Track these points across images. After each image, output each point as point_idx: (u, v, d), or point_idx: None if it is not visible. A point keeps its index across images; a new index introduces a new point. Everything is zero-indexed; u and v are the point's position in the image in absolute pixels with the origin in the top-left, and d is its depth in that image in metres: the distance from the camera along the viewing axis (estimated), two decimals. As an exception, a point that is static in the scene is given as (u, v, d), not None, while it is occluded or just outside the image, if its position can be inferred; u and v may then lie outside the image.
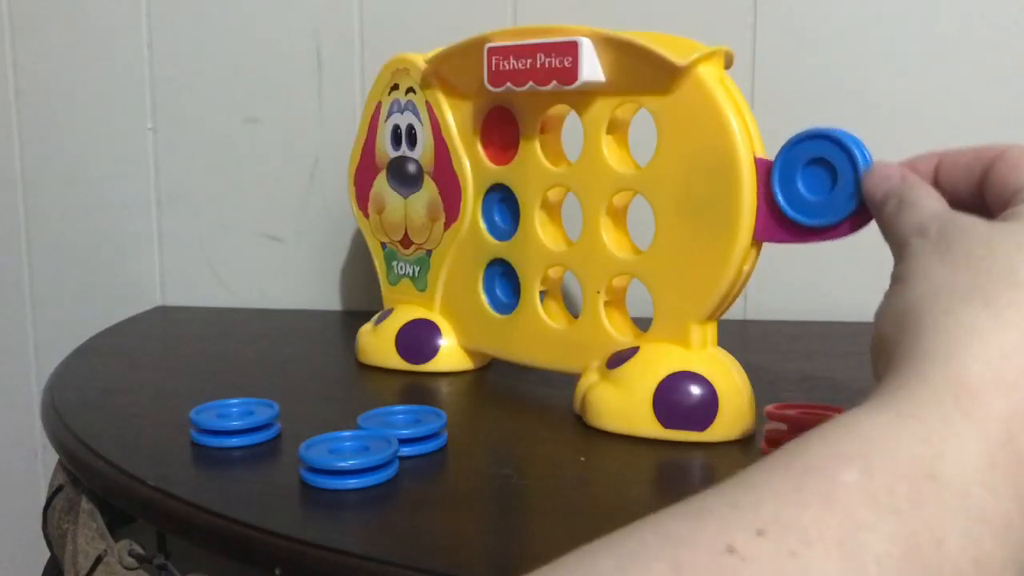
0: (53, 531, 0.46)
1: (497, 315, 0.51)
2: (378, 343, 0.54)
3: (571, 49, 0.43)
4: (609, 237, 0.45)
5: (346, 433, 0.39)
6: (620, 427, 0.42)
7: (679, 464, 0.40)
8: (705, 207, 0.41)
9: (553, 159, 0.48)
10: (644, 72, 0.42)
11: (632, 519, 0.34)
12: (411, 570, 0.30)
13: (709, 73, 0.41)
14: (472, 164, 0.51)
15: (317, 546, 0.32)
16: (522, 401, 0.49)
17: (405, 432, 0.40)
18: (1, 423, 0.81)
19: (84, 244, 0.77)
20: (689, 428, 0.41)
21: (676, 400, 0.41)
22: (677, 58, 0.41)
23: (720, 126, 0.40)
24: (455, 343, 0.53)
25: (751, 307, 0.68)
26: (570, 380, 0.47)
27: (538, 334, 0.48)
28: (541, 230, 0.48)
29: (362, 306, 0.73)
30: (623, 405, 0.42)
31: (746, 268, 0.41)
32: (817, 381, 0.51)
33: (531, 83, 0.45)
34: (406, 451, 0.40)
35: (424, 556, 0.31)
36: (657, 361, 0.42)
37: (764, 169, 0.39)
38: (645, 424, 0.42)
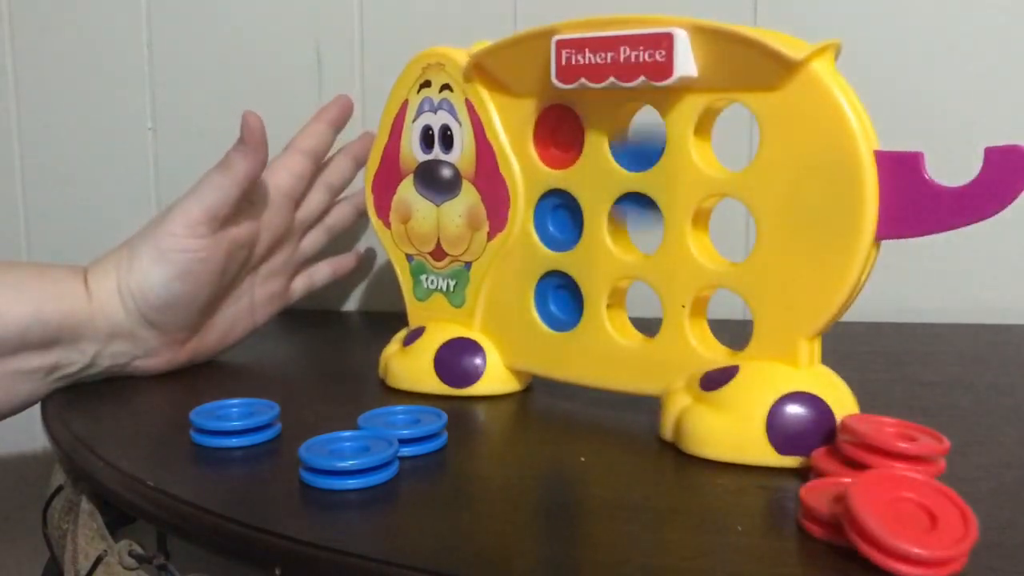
0: (53, 531, 0.46)
1: (552, 332, 0.47)
2: (412, 366, 0.49)
3: (664, 41, 0.40)
4: (696, 246, 0.42)
5: (346, 433, 0.39)
6: (727, 454, 0.39)
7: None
8: (819, 210, 0.38)
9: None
10: (747, 67, 0.39)
11: (632, 518, 0.34)
12: (411, 570, 0.30)
13: (822, 67, 0.38)
14: (523, 168, 0.47)
15: (317, 546, 0.32)
16: (522, 404, 0.49)
17: (405, 432, 0.40)
18: (1, 423, 0.81)
19: (84, 244, 0.77)
20: (806, 453, 0.38)
21: (791, 424, 0.38)
22: (791, 52, 0.38)
23: (839, 123, 0.37)
24: (500, 363, 0.49)
25: (751, 307, 0.68)
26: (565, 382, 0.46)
27: (606, 352, 0.45)
28: (610, 239, 0.44)
29: (362, 306, 0.73)
30: (732, 431, 0.39)
31: (864, 277, 0.38)
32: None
33: (612, 79, 0.41)
34: (406, 451, 0.40)
35: (424, 556, 0.31)
36: (766, 382, 0.39)
37: (883, 161, 0.37)
38: (757, 450, 0.38)
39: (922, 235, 0.37)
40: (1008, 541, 0.32)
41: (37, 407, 0.50)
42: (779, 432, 0.38)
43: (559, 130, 0.46)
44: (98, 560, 0.40)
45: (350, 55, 0.71)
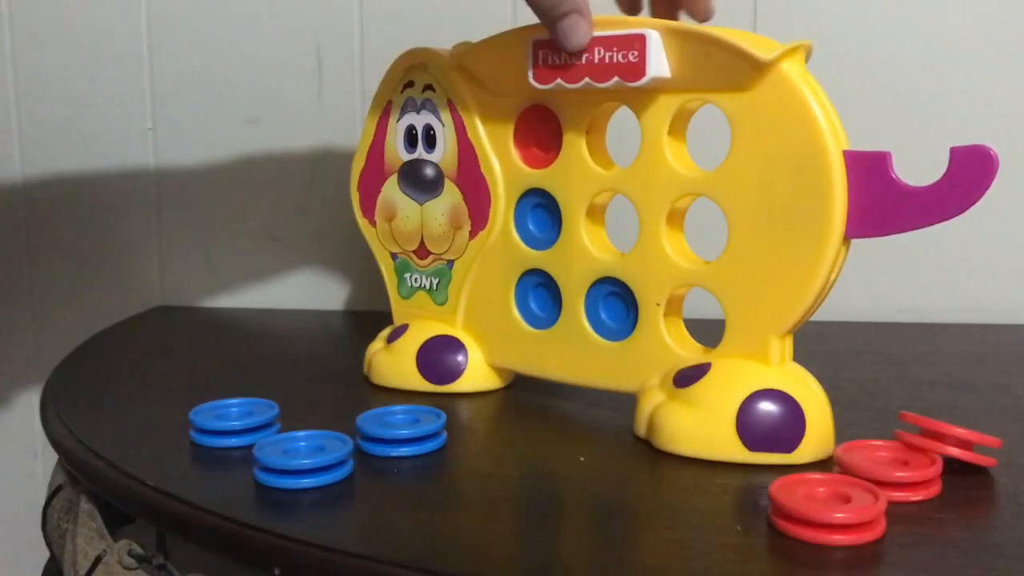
0: (52, 531, 0.46)
1: (532, 330, 0.47)
2: (396, 363, 0.50)
3: (637, 42, 0.40)
4: (671, 245, 0.42)
5: (301, 433, 0.39)
6: (698, 451, 0.39)
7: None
8: (789, 209, 0.38)
9: (601, 161, 0.45)
10: (718, 68, 0.39)
11: (630, 517, 0.34)
12: (410, 570, 0.30)
13: (792, 68, 0.38)
14: (503, 168, 0.47)
15: (317, 546, 0.32)
16: (504, 401, 0.49)
17: (404, 432, 0.40)
18: (1, 423, 0.81)
19: (84, 244, 0.77)
20: (776, 450, 0.38)
21: (761, 421, 0.38)
22: (761, 53, 0.38)
23: (808, 123, 0.37)
24: (482, 361, 0.49)
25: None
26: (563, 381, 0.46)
27: (583, 350, 0.45)
28: (588, 238, 0.45)
29: (362, 306, 0.73)
30: (702, 427, 0.39)
31: (833, 276, 0.39)
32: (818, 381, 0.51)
33: (587, 80, 0.42)
34: (405, 451, 0.40)
35: (423, 556, 0.31)
36: (736, 379, 0.39)
37: (852, 161, 0.37)
38: (727, 447, 0.39)
39: (890, 234, 0.37)
40: (1008, 541, 0.32)
41: (36, 407, 0.50)
42: (749, 429, 0.39)
43: (538, 130, 0.47)
44: (97, 560, 0.40)
45: (350, 55, 0.71)
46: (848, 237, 0.38)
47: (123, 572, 0.40)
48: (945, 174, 0.36)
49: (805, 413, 0.39)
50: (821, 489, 0.34)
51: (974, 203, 0.36)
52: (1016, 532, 0.33)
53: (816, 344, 0.60)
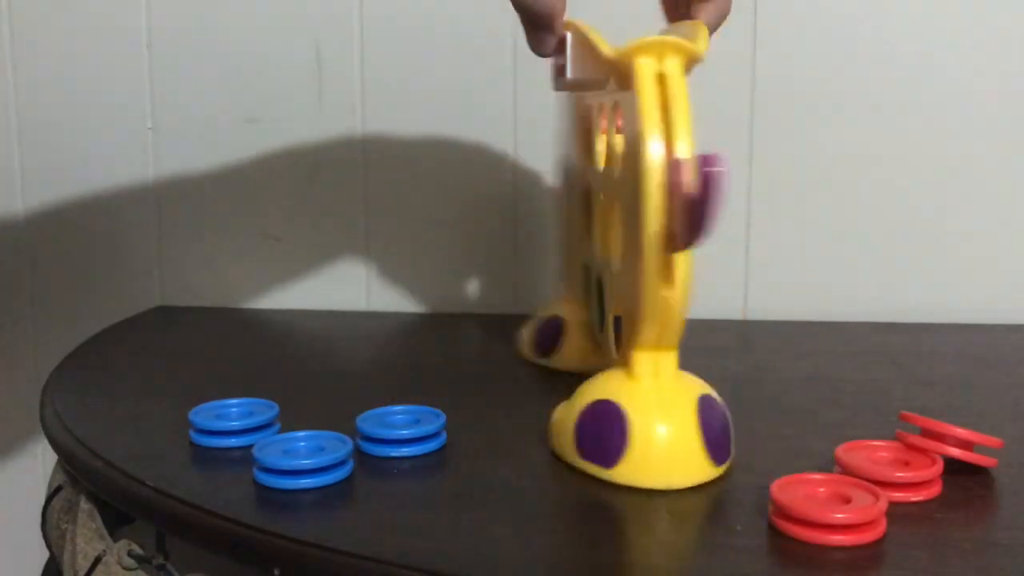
0: (52, 531, 0.46)
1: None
2: (525, 335, 0.56)
3: (562, 45, 0.43)
4: (609, 245, 0.44)
5: (301, 433, 0.39)
6: (555, 449, 0.40)
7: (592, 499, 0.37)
8: (633, 217, 0.37)
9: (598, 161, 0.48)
10: (605, 67, 0.41)
11: (630, 517, 0.34)
12: (410, 570, 0.30)
13: (647, 67, 0.37)
14: (578, 165, 0.51)
15: (317, 546, 0.32)
16: (523, 406, 0.49)
17: (404, 432, 0.40)
18: (1, 423, 0.81)
19: (84, 244, 0.77)
20: (596, 462, 0.37)
21: (591, 430, 0.38)
22: (605, 49, 0.39)
23: (638, 124, 0.37)
24: (574, 344, 0.52)
25: (751, 307, 0.68)
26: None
27: (592, 343, 0.49)
28: (597, 236, 0.48)
29: (361, 306, 0.73)
30: (558, 427, 0.40)
31: (672, 293, 0.37)
32: (817, 381, 0.51)
33: (562, 80, 0.45)
34: (405, 451, 0.40)
35: (423, 556, 0.31)
36: (593, 386, 0.39)
37: (687, 170, 0.35)
38: (567, 451, 0.39)
39: (693, 245, 0.35)
40: (1009, 541, 0.32)
41: (36, 407, 0.50)
42: (581, 436, 0.38)
43: (589, 129, 0.50)
44: (97, 560, 0.40)
45: (350, 55, 0.71)
46: (677, 248, 0.36)
47: (123, 572, 0.40)
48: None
49: (630, 431, 0.36)
50: (821, 489, 0.34)
51: (716, 211, 0.33)
52: (1016, 532, 0.33)
53: (816, 344, 0.60)
